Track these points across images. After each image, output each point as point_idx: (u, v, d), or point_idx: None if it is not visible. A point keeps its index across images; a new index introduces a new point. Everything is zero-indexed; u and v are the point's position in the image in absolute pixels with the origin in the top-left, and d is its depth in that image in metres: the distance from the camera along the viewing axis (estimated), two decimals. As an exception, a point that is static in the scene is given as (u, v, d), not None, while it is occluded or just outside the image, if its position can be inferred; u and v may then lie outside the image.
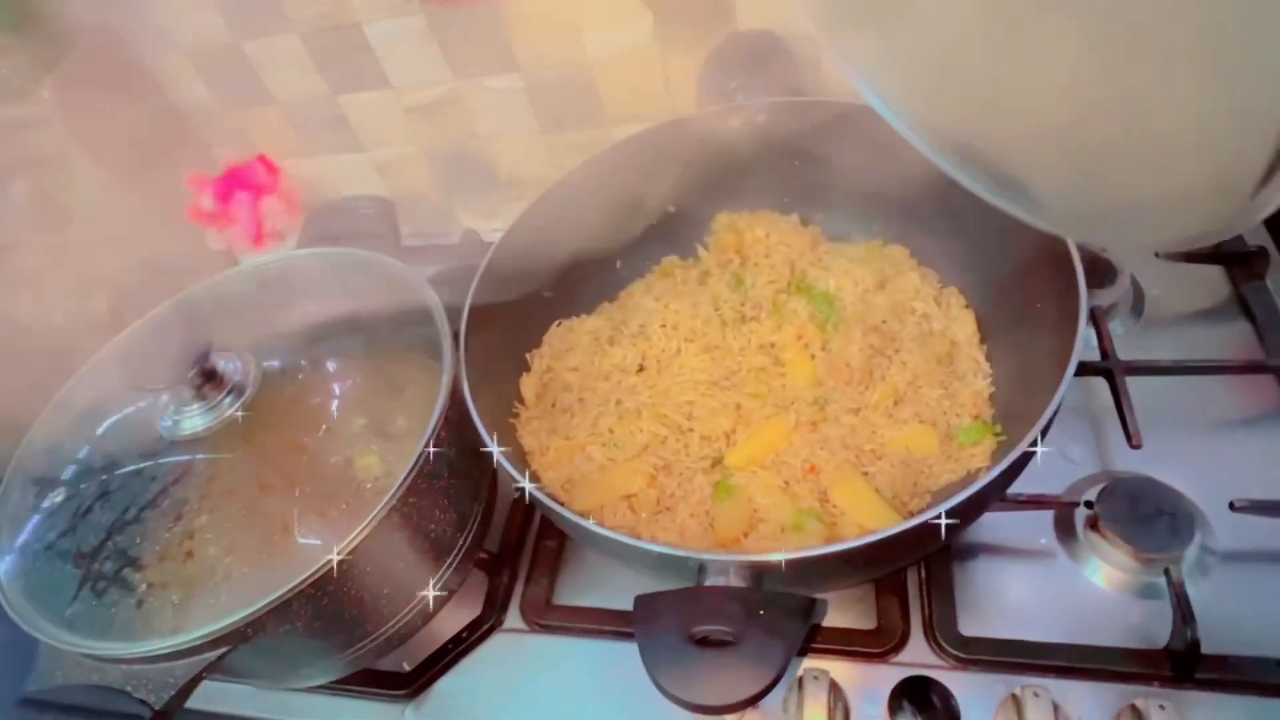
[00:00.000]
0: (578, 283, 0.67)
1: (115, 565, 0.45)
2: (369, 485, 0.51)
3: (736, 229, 0.65)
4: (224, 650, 0.42)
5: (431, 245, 0.90)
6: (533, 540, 0.63)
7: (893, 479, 0.50)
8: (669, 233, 0.69)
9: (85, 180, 0.78)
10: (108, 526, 0.46)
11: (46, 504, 0.49)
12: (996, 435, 0.51)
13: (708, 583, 0.39)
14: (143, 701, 0.41)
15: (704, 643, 0.34)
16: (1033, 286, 0.53)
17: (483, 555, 0.60)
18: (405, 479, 0.46)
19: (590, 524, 0.43)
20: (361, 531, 0.44)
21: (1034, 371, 0.52)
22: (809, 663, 0.51)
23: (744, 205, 0.68)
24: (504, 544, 0.62)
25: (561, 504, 0.46)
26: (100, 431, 0.52)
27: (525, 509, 0.64)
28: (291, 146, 0.86)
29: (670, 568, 0.41)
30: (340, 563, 0.44)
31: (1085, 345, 0.45)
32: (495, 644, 0.58)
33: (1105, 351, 0.59)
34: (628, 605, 0.57)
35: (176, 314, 0.49)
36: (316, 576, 0.43)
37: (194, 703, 0.60)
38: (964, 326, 0.57)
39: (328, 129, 0.83)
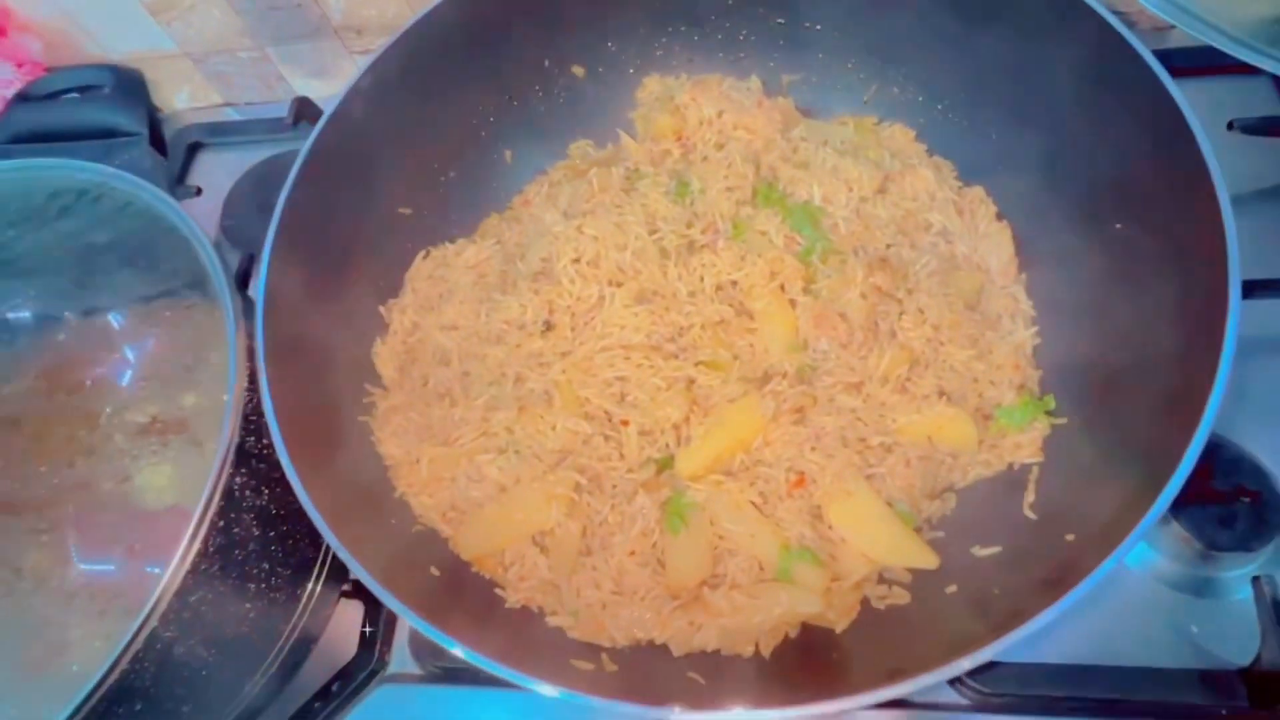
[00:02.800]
0: (450, 187, 0.47)
1: None
2: (160, 509, 0.35)
3: (674, 105, 0.45)
4: None
5: (252, 120, 0.65)
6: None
7: (907, 481, 0.36)
8: (577, 106, 0.49)
9: None
10: None
11: None
12: (1050, 415, 0.37)
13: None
14: None
15: None
16: (1113, 181, 0.36)
17: (349, 585, 0.44)
18: (199, 523, 0.29)
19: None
20: (150, 617, 0.27)
21: (1109, 314, 0.36)
22: None
23: (682, 66, 0.48)
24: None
25: (445, 540, 0.30)
26: None
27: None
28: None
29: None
30: (137, 657, 0.28)
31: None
32: (377, 697, 0.44)
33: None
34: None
35: None
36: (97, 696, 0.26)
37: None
38: (997, 247, 0.40)
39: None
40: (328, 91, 0.64)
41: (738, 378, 0.38)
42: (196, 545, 0.31)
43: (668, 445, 0.37)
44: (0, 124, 0.41)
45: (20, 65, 0.58)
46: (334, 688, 0.44)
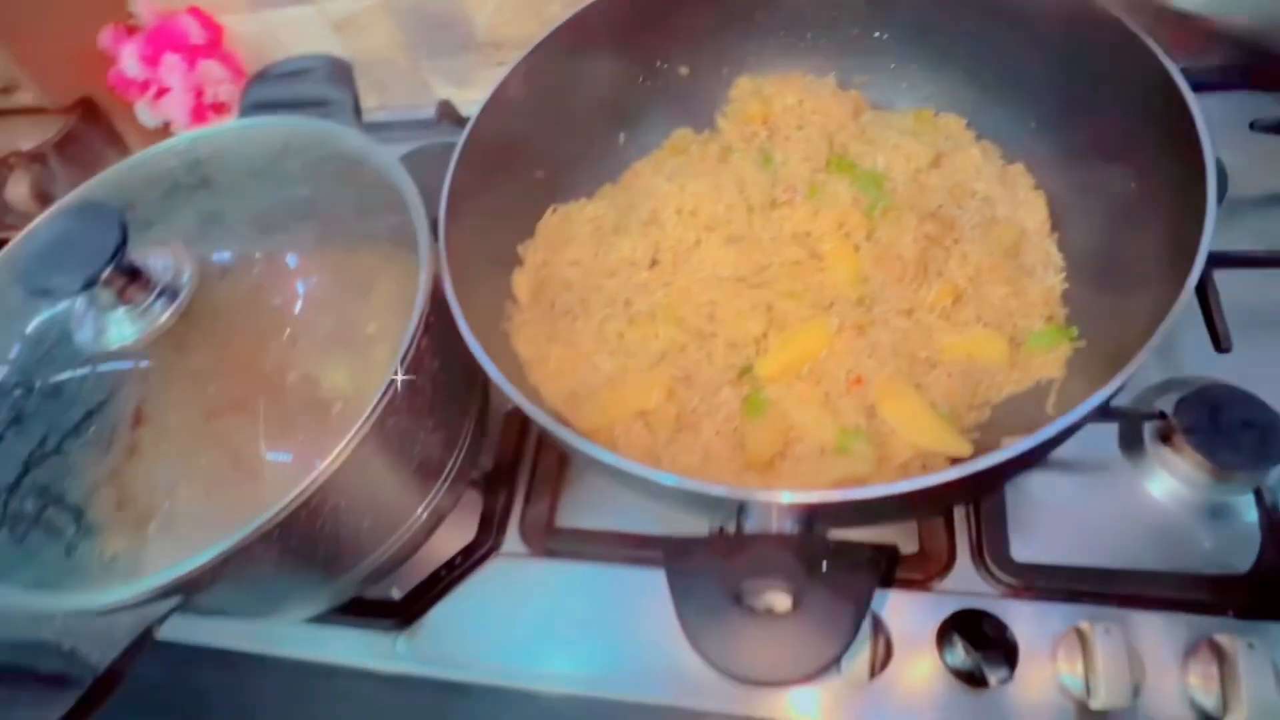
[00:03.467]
0: (575, 161, 0.57)
1: (37, 504, 0.38)
2: (337, 406, 0.44)
3: (762, 96, 0.55)
4: (175, 602, 0.36)
5: (400, 120, 0.78)
6: (531, 457, 0.56)
7: (949, 390, 0.43)
8: (681, 100, 0.59)
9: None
10: (24, 459, 0.39)
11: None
12: (1073, 341, 0.44)
13: (747, 521, 0.33)
14: (84, 662, 0.34)
15: (751, 603, 0.28)
16: (1121, 158, 0.44)
17: (476, 475, 0.53)
18: (381, 398, 0.39)
19: (600, 452, 0.36)
20: (332, 463, 0.37)
21: (1120, 264, 0.44)
22: (845, 593, 0.46)
23: (771, 68, 0.57)
24: (500, 462, 0.56)
25: (565, 424, 0.39)
26: (9, 347, 0.43)
27: (523, 424, 0.57)
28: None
29: (699, 503, 0.35)
30: (310, 497, 0.37)
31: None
32: (493, 569, 0.53)
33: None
34: (640, 528, 0.52)
35: (84, 202, 0.39)
36: (280, 517, 0.36)
37: (167, 635, 0.55)
38: (1033, 211, 0.48)
39: (270, -26, 0.70)
40: (467, 97, 0.76)
41: (809, 304, 0.46)
42: (384, 401, 0.41)
43: (749, 354, 0.46)
44: (243, 98, 0.54)
45: (229, 68, 0.73)
46: (456, 560, 0.53)
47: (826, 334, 0.44)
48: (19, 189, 0.70)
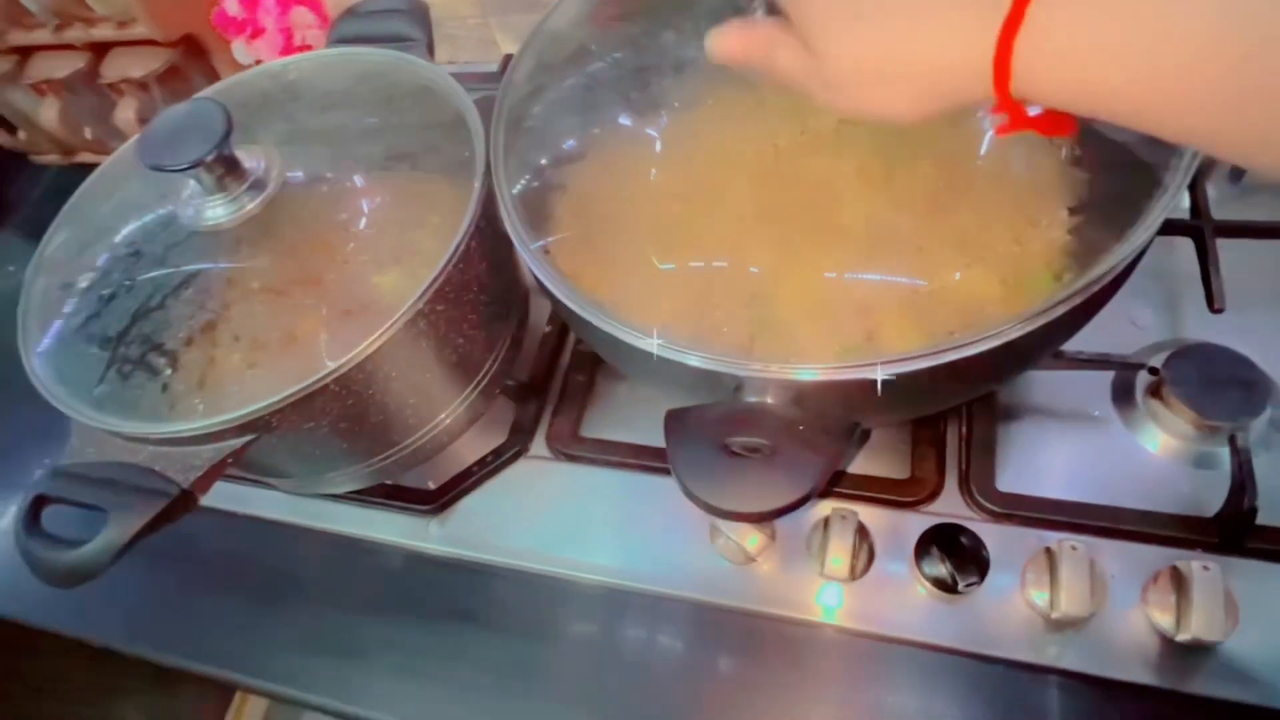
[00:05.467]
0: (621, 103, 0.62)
1: (141, 350, 0.44)
2: (387, 300, 0.49)
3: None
4: (249, 438, 0.42)
5: (467, 73, 0.84)
6: (562, 375, 0.62)
7: (948, 322, 0.47)
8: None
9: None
10: (133, 312, 0.45)
11: (72, 289, 0.48)
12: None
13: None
14: (171, 480, 0.41)
15: (739, 455, 0.33)
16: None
17: (511, 384, 0.59)
18: (437, 277, 0.44)
19: (621, 326, 0.40)
20: (389, 329, 0.43)
21: (1121, 223, 0.47)
22: (836, 504, 0.50)
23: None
24: (533, 375, 0.61)
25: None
26: (123, 222, 0.50)
27: (556, 343, 0.63)
28: (322, -51, 0.79)
29: (705, 385, 0.39)
30: (365, 362, 0.43)
31: (1177, 200, 0.40)
32: (520, 469, 0.58)
33: (1198, 209, 0.54)
34: (656, 441, 0.57)
35: (197, 105, 0.45)
36: (342, 372, 0.42)
37: (222, 504, 0.62)
38: (1044, 167, 0.51)
39: (361, -70, 0.77)
40: (529, 52, 0.82)
41: (823, 239, 0.50)
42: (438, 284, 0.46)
43: (764, 281, 0.50)
44: (331, 32, 0.60)
45: (317, 14, 0.80)
46: (488, 459, 0.59)
47: (835, 263, 0.48)
48: (126, 113, 0.78)
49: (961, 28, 0.28)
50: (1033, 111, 0.31)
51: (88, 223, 0.52)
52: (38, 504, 0.41)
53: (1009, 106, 0.30)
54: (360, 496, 0.58)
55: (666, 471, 0.55)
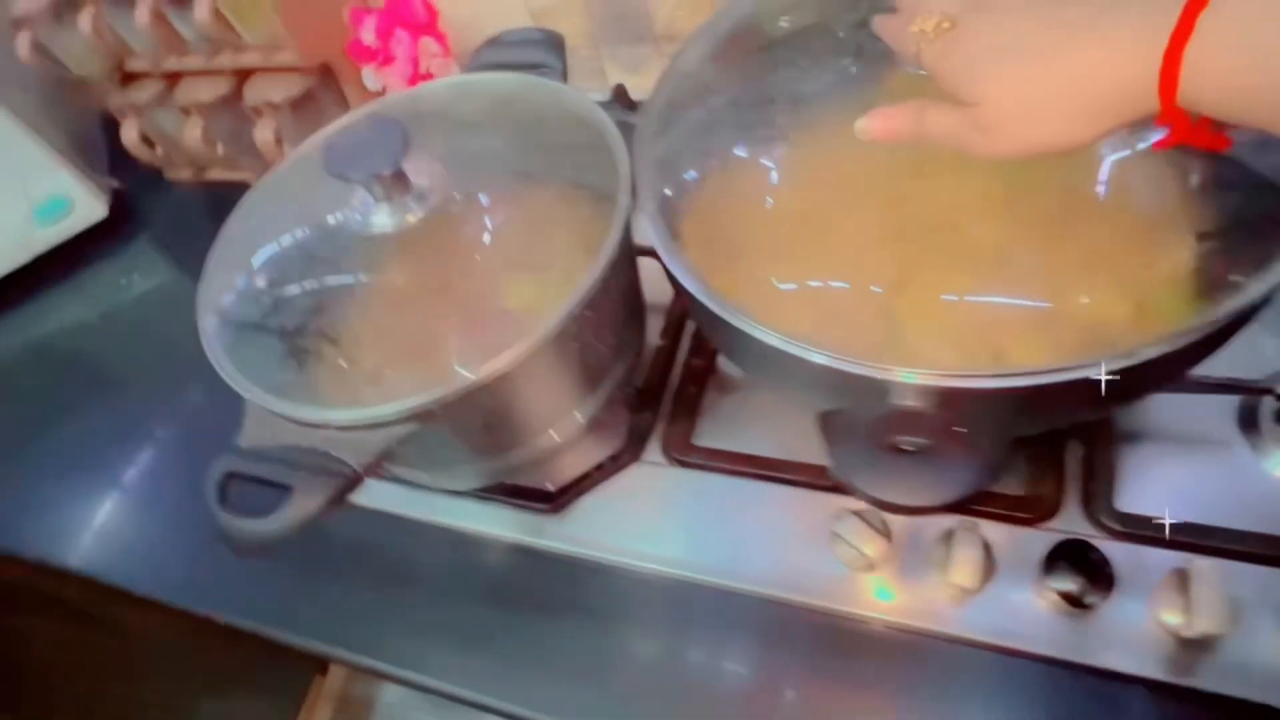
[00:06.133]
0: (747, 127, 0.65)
1: (314, 342, 0.49)
2: (524, 314, 0.52)
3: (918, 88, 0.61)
4: (413, 427, 0.45)
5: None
6: (673, 387, 0.64)
7: (1077, 343, 0.48)
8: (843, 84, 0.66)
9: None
10: (306, 309, 0.50)
11: (249, 286, 0.53)
12: (1199, 310, 0.48)
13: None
14: (345, 463, 0.44)
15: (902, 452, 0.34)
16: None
17: (629, 392, 0.61)
18: (590, 285, 0.47)
19: (770, 333, 0.42)
20: (547, 330, 0.46)
21: (1253, 250, 0.48)
22: (957, 517, 0.51)
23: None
24: (647, 386, 0.64)
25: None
26: (290, 225, 0.55)
27: (668, 356, 0.66)
28: (448, -15, 0.85)
29: (848, 391, 0.41)
30: (522, 362, 0.46)
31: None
32: (635, 473, 0.61)
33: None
34: (769, 451, 0.59)
35: (376, 122, 0.50)
36: (504, 370, 0.45)
37: (361, 501, 0.65)
38: (1170, 190, 0.52)
39: (488, -35, 0.82)
40: (638, 84, 0.86)
41: (947, 260, 0.52)
42: (586, 296, 0.48)
43: (889, 300, 0.52)
44: (475, 58, 0.65)
45: (441, 45, 0.85)
46: (605, 464, 0.61)
47: (959, 285, 0.50)
48: (265, 133, 0.84)
49: (1124, 44, 0.29)
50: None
51: (257, 225, 0.57)
52: (227, 480, 0.45)
53: (1174, 117, 0.30)
54: (482, 494, 0.61)
55: (779, 479, 0.58)
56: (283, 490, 0.44)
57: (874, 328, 0.51)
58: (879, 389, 0.38)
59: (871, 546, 0.49)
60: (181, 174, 1.03)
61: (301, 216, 0.55)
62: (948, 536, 0.49)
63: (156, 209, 1.04)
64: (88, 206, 0.98)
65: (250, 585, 0.64)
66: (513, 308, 0.55)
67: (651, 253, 0.47)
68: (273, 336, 0.50)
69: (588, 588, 0.57)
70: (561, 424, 0.56)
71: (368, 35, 0.81)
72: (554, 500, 0.60)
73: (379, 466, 0.45)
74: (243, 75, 0.88)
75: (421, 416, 0.45)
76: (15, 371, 0.92)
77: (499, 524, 0.61)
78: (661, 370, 0.65)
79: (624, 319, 0.55)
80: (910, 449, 0.34)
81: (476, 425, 0.49)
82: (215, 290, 0.53)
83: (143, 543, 0.71)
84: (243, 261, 0.55)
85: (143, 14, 0.78)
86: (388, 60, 0.83)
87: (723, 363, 0.65)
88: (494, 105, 0.61)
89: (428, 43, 0.83)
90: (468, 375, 0.44)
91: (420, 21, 0.83)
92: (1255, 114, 0.28)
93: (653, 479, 0.60)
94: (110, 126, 1.11)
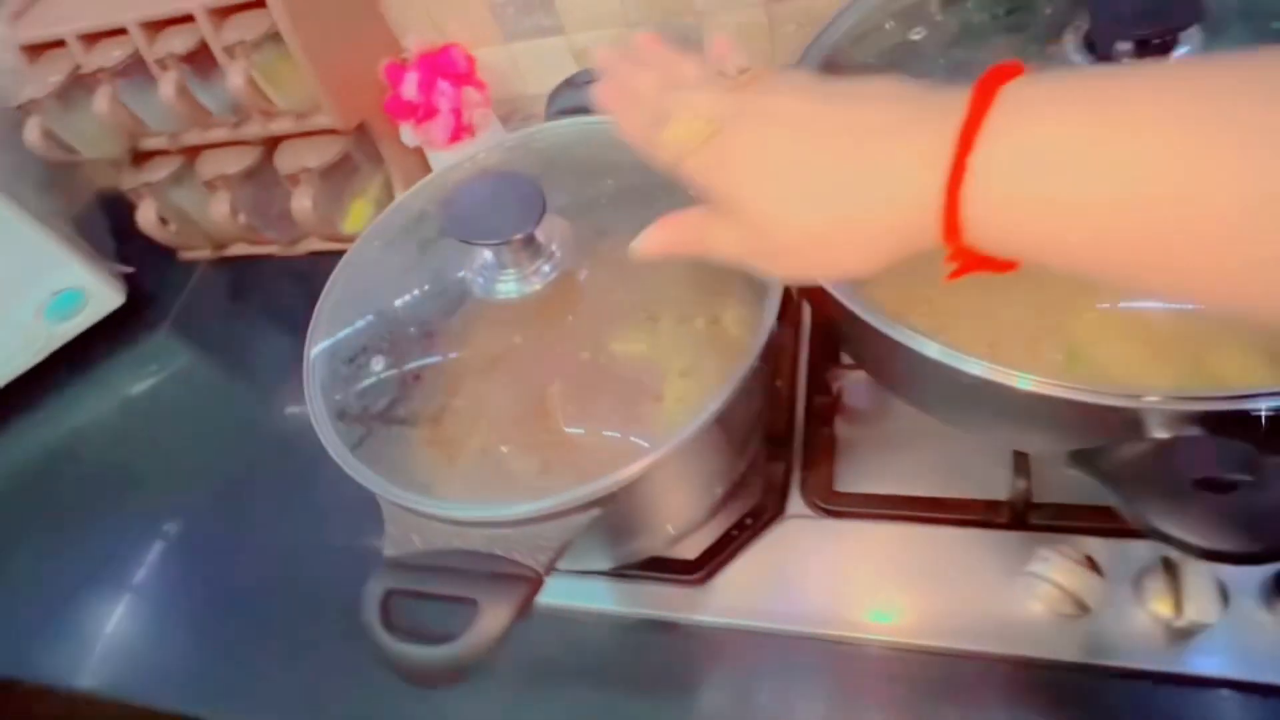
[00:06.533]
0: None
1: (462, 429, 0.43)
2: (666, 386, 0.48)
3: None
4: (595, 513, 0.40)
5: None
6: (800, 429, 0.60)
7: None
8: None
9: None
10: (438, 390, 0.45)
11: (365, 371, 0.47)
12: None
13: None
14: (525, 564, 0.39)
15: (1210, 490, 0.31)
16: None
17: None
18: (763, 343, 0.43)
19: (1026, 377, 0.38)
20: (723, 398, 0.41)
21: None
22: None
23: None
24: (772, 433, 0.59)
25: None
26: (395, 297, 0.50)
27: (789, 397, 0.61)
28: (485, 32, 0.82)
29: (1087, 424, 0.38)
30: (699, 431, 0.41)
31: None
32: (781, 530, 0.56)
33: None
34: (917, 490, 0.55)
35: (504, 180, 0.45)
36: (686, 438, 0.40)
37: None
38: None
39: (527, 10, 0.79)
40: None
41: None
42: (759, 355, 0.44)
43: (1066, 322, 0.49)
44: (552, 102, 0.61)
45: (482, 92, 0.81)
46: (745, 521, 0.57)
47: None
48: (304, 201, 0.79)
49: (903, 184, 0.27)
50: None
51: (351, 304, 0.52)
52: (387, 599, 0.39)
53: (961, 256, 0.28)
54: (618, 572, 0.56)
55: (940, 521, 0.54)
56: (447, 603, 0.39)
57: (1050, 347, 0.48)
58: (1157, 418, 0.34)
59: (1083, 585, 0.45)
60: (198, 253, 0.97)
61: (399, 288, 0.50)
62: (1168, 567, 0.45)
63: (172, 293, 0.98)
64: (103, 296, 0.91)
65: (336, 692, 0.58)
66: (624, 355, 0.51)
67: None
68: (391, 425, 0.45)
69: (743, 659, 0.52)
70: (722, 485, 0.51)
71: (409, 90, 0.77)
72: (698, 570, 0.55)
73: (556, 563, 0.40)
74: (270, 143, 0.83)
75: (604, 501, 0.40)
76: (34, 478, 0.85)
77: (649, 601, 0.56)
78: (786, 413, 0.61)
79: (773, 369, 0.50)
80: (1229, 486, 0.30)
81: (646, 503, 0.44)
82: (322, 383, 0.48)
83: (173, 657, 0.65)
84: (351, 341, 0.50)
85: (167, 89, 0.73)
86: (429, 114, 0.79)
87: (850, 397, 0.61)
88: (606, 150, 0.57)
89: (470, 93, 0.79)
90: (641, 443, 0.40)
91: (461, 71, 0.79)
92: (1042, 257, 0.26)
93: (801, 534, 0.56)
94: (111, 208, 1.05)
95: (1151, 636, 0.46)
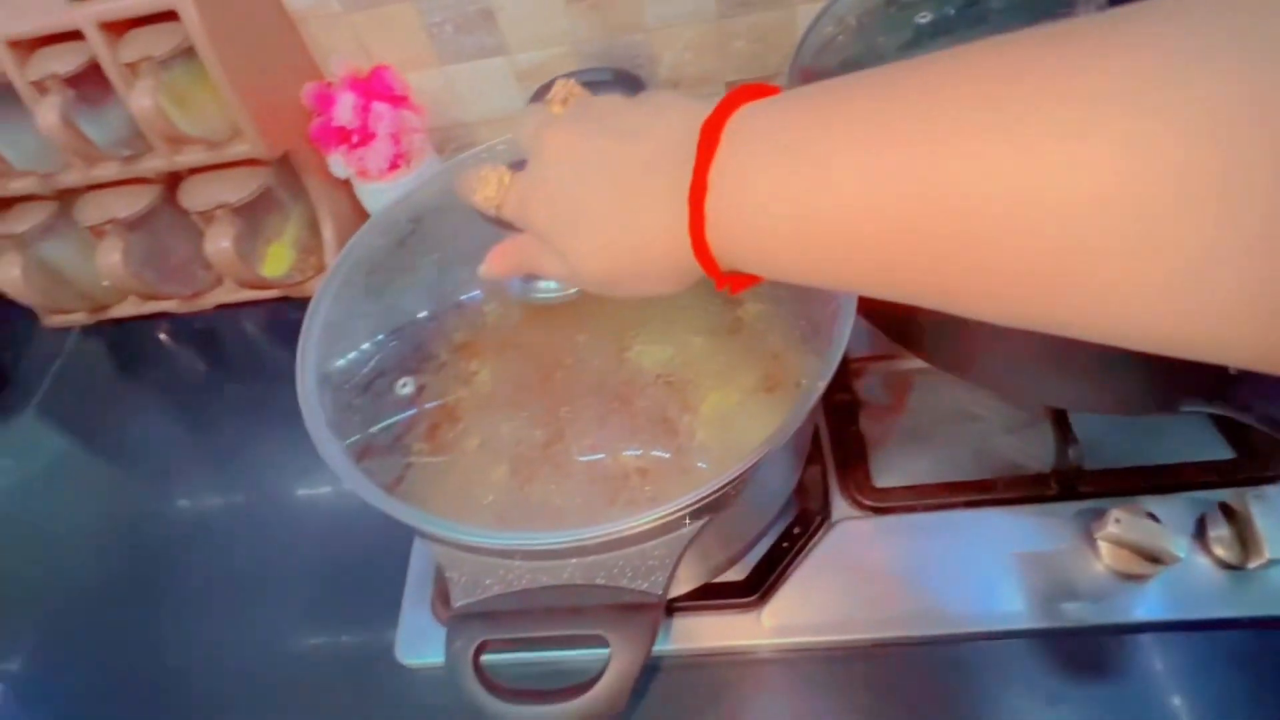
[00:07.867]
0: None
1: (489, 456, 0.37)
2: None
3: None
4: (703, 521, 0.35)
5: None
6: (827, 430, 0.58)
7: None
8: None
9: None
10: (468, 412, 0.38)
11: (395, 390, 0.40)
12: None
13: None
14: (641, 590, 0.33)
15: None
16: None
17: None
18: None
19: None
20: (802, 408, 0.38)
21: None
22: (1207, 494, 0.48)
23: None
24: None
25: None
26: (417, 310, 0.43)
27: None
28: (418, 54, 0.76)
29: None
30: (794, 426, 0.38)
31: None
32: (831, 536, 0.53)
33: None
34: (956, 476, 0.54)
35: None
36: (779, 440, 0.36)
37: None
38: None
39: (465, 30, 0.74)
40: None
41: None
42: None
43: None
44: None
45: (420, 116, 0.76)
46: (793, 532, 0.53)
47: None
48: (221, 242, 0.69)
49: (663, 225, 0.27)
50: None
51: (343, 339, 0.44)
52: (478, 653, 0.32)
53: (728, 280, 0.29)
54: (671, 605, 0.51)
55: (990, 503, 0.53)
56: (533, 645, 0.32)
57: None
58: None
59: (1159, 542, 0.45)
60: (72, 317, 0.83)
61: (402, 306, 0.43)
62: (1228, 511, 0.46)
63: (39, 367, 0.82)
64: (-53, 379, 0.74)
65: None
66: (645, 367, 0.47)
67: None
68: (432, 455, 0.38)
69: (819, 678, 0.48)
70: (782, 502, 0.47)
71: (344, 113, 0.70)
72: (753, 590, 0.51)
73: (672, 583, 0.34)
74: (171, 180, 0.73)
75: (713, 506, 0.35)
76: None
77: (708, 634, 0.50)
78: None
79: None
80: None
81: (746, 508, 0.39)
82: (333, 445, 0.40)
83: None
84: (358, 370, 0.42)
85: (48, 117, 0.62)
86: (365, 139, 0.72)
87: (866, 390, 0.60)
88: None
89: (408, 116, 0.73)
90: (700, 464, 0.35)
91: (397, 93, 0.73)
92: (794, 278, 0.26)
93: (853, 536, 0.53)
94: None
95: (1220, 584, 0.46)
